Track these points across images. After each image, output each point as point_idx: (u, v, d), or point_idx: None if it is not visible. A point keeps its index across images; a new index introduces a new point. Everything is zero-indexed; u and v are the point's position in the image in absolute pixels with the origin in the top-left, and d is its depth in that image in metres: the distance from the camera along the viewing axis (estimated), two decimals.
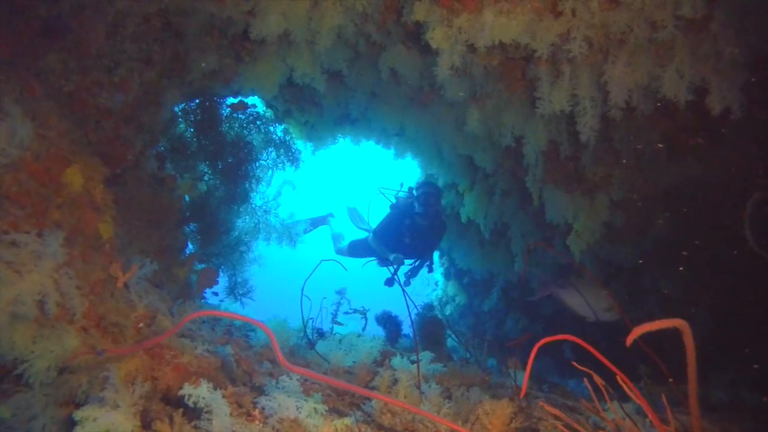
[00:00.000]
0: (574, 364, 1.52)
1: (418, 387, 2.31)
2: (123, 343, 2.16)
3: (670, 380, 1.78)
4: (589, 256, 4.69)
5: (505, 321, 7.08)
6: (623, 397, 1.91)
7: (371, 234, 6.11)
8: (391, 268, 5.75)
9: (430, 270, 6.18)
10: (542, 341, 1.14)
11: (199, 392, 1.76)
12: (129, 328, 2.20)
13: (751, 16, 2.21)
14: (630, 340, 1.07)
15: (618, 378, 1.26)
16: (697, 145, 3.57)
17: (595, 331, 5.52)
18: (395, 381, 2.33)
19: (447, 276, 8.20)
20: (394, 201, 6.15)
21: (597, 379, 1.47)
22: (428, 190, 5.48)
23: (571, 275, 4.37)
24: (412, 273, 6.01)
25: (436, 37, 2.78)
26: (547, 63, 2.94)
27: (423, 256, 6.02)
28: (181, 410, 1.84)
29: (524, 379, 1.17)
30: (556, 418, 1.59)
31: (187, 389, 1.77)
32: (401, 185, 6.22)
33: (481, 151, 4.69)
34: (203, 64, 3.57)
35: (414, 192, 5.74)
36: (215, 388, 1.85)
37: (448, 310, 8.09)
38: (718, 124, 3.29)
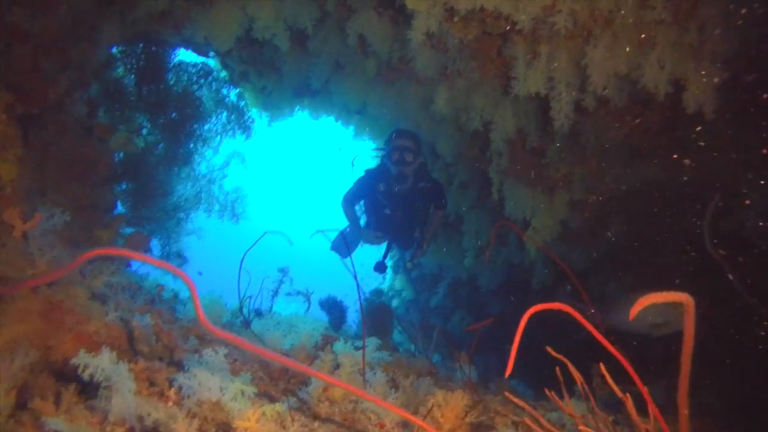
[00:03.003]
0: (549, 349, 1.35)
1: (362, 374, 2.08)
2: (12, 304, 1.78)
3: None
4: (541, 257, 4.64)
5: (450, 318, 6.99)
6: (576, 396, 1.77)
7: (344, 204, 4.47)
8: (373, 248, 4.63)
9: (420, 246, 4.55)
10: (534, 308, 0.95)
11: (98, 362, 1.44)
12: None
13: (740, 5, 2.13)
14: (634, 312, 0.89)
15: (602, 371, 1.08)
16: (658, 149, 3.54)
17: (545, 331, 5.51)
18: (337, 366, 2.09)
19: (395, 269, 8.02)
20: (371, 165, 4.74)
21: (572, 369, 1.30)
22: (401, 143, 3.94)
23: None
24: (412, 254, 4.57)
25: None
26: (526, 41, 2.78)
27: (412, 230, 4.55)
28: (74, 386, 1.51)
29: (512, 352, 0.96)
30: (517, 412, 1.41)
31: (82, 358, 1.44)
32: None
33: (444, 137, 4.51)
34: (151, 3, 3.16)
35: (385, 149, 4.20)
36: (120, 360, 1.53)
37: (394, 304, 7.92)
38: (682, 129, 3.27)
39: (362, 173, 4.43)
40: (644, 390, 1.03)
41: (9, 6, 2.38)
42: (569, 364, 1.30)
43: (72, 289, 1.95)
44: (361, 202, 4.62)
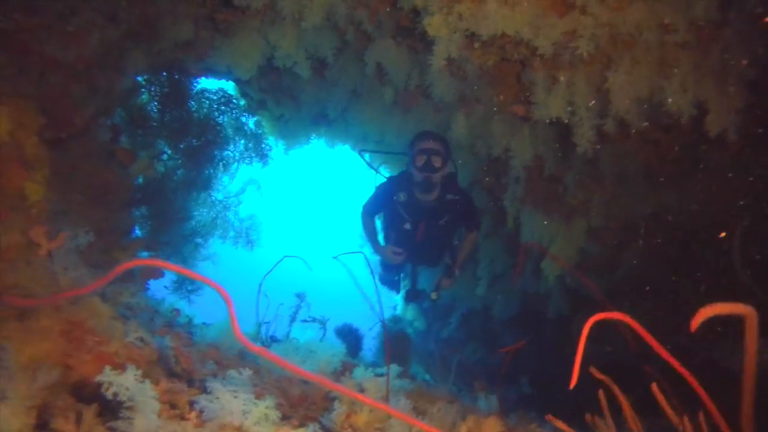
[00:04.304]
0: (594, 371, 1.29)
1: (387, 400, 2.01)
2: (35, 321, 1.76)
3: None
4: (558, 285, 4.55)
5: (463, 349, 6.84)
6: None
7: (363, 214, 3.91)
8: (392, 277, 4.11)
9: (451, 274, 3.88)
10: (597, 316, 0.90)
11: (123, 381, 1.40)
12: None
13: (763, 28, 2.14)
14: (696, 323, 0.85)
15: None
16: (677, 174, 3.52)
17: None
18: (361, 391, 2.02)
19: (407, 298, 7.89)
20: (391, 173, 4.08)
21: (618, 394, 1.23)
22: (427, 146, 3.39)
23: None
24: (437, 282, 3.90)
25: (434, 23, 2.60)
26: (545, 67, 2.81)
27: (440, 251, 3.91)
28: (95, 406, 1.47)
29: (576, 363, 0.91)
30: None
31: (107, 375, 1.40)
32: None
33: (459, 164, 4.53)
34: (176, 33, 3.25)
35: (408, 153, 3.54)
36: (145, 380, 1.49)
37: None
38: (700, 154, 3.25)
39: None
40: (714, 410, 0.97)
41: (47, 39, 2.46)
42: (615, 389, 1.24)
43: (95, 308, 1.92)
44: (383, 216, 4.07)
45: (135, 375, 1.45)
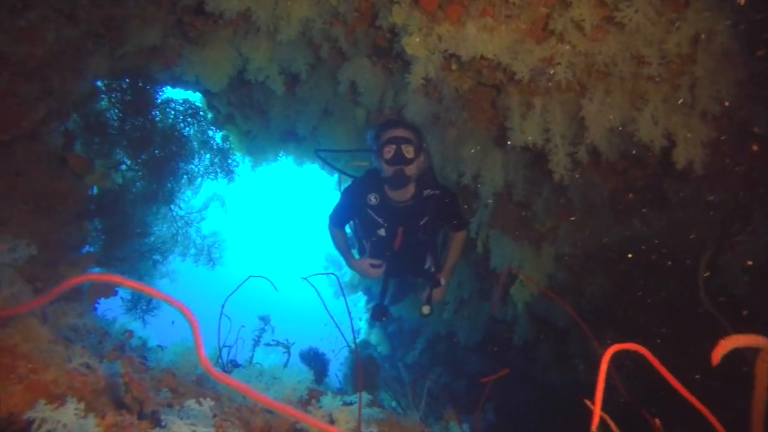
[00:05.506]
0: (588, 402, 1.21)
1: (358, 431, 1.88)
2: None
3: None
4: (525, 312, 4.55)
5: (426, 375, 6.75)
6: None
7: (330, 226, 3.43)
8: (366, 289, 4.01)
9: (436, 284, 3.38)
10: (615, 347, 0.83)
11: (59, 416, 1.22)
12: None
13: (728, 67, 2.22)
14: (717, 356, 0.79)
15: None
16: (641, 205, 3.60)
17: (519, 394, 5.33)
18: (331, 422, 1.88)
19: (371, 322, 7.78)
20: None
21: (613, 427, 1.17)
22: (396, 134, 2.95)
23: None
24: (428, 294, 3.36)
25: (412, 43, 2.57)
26: (521, 93, 2.83)
27: (423, 257, 3.38)
28: None
29: (597, 397, 0.83)
30: None
31: (40, 410, 1.22)
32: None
33: None
34: (142, 38, 3.10)
35: (374, 145, 3.08)
36: (88, 414, 1.31)
37: None
38: (664, 187, 3.35)
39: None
40: None
41: None
42: (609, 420, 1.17)
43: (32, 330, 1.72)
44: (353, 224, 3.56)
45: (75, 409, 1.27)
